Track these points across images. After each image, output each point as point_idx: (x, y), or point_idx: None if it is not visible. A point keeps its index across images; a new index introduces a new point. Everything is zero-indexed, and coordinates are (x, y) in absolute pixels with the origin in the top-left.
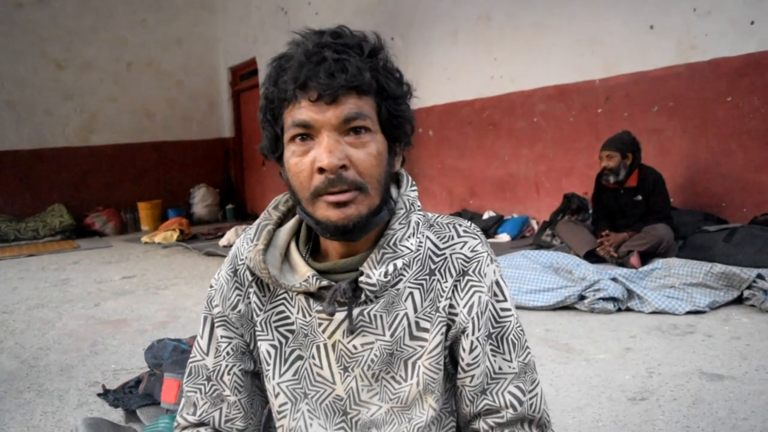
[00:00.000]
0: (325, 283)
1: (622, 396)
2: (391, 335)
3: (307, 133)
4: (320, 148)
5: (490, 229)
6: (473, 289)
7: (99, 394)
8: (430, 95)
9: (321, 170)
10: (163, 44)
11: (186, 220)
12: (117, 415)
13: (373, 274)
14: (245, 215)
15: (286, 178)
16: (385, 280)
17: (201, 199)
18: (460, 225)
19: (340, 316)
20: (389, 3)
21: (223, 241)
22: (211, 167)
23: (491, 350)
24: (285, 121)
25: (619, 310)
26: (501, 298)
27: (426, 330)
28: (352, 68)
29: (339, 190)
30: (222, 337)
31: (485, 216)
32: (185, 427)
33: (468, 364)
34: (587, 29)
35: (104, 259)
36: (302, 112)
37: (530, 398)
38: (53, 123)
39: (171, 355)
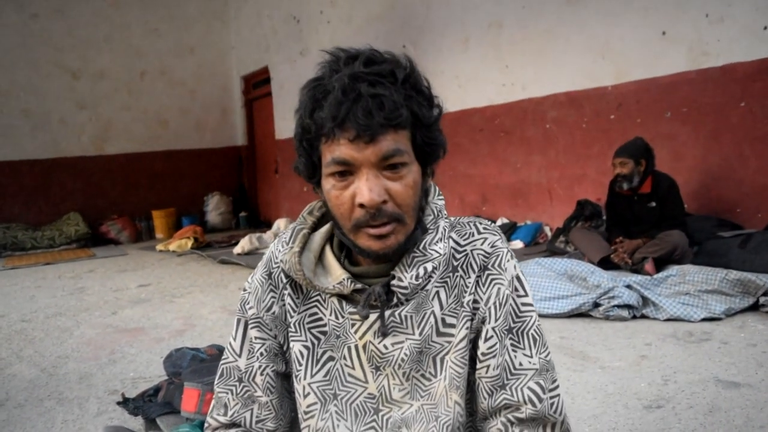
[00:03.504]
0: (358, 286)
1: (637, 404)
2: (420, 333)
3: (347, 169)
4: (360, 183)
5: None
6: (494, 282)
7: (118, 403)
8: (441, 102)
9: (362, 205)
10: (176, 53)
11: (200, 228)
12: (137, 424)
13: (404, 277)
14: (258, 223)
15: (324, 201)
16: (417, 283)
17: (214, 207)
18: (480, 223)
19: (372, 317)
20: (400, 11)
21: (237, 249)
22: (225, 175)
23: (511, 345)
24: (323, 155)
25: (634, 317)
26: (522, 293)
27: (452, 326)
28: (389, 104)
29: (379, 223)
30: (256, 338)
31: (498, 223)
32: (216, 428)
33: (483, 353)
34: (599, 36)
35: (120, 267)
36: (341, 150)
37: (551, 397)
38: (68, 132)
39: (190, 364)
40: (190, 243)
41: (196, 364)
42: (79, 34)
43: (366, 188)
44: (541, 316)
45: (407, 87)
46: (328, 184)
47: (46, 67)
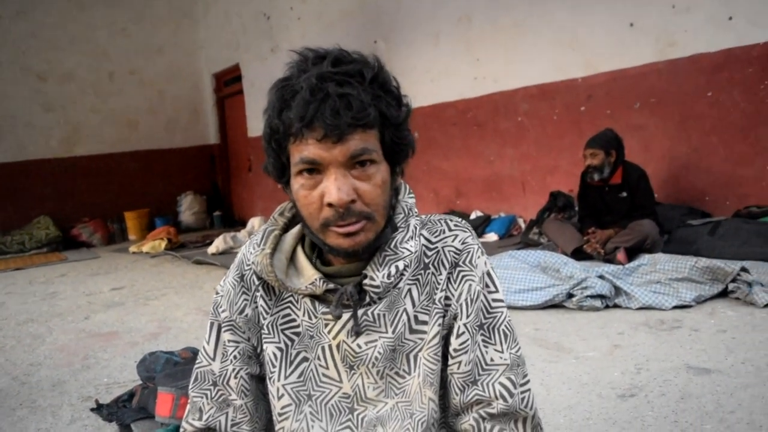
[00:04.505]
0: (330, 286)
1: (611, 393)
2: (393, 331)
3: (315, 168)
4: (329, 183)
5: (477, 228)
6: (465, 278)
7: (92, 409)
8: (414, 97)
9: (330, 205)
10: (145, 53)
11: (174, 228)
12: (111, 430)
13: (376, 276)
14: (233, 222)
15: (293, 201)
16: (388, 281)
17: (188, 207)
18: (451, 220)
19: (345, 317)
20: (371, 7)
21: (211, 249)
22: (197, 174)
23: (483, 340)
24: (291, 155)
25: (607, 306)
26: (492, 289)
27: (425, 323)
28: (357, 104)
29: (348, 222)
30: (229, 341)
31: (472, 216)
32: None
33: (455, 350)
34: (567, 28)
35: (92, 270)
36: (309, 149)
37: (522, 392)
38: (36, 135)
39: (164, 368)
40: (163, 244)
41: (170, 368)
42: (43, 36)
43: (334, 188)
44: (515, 308)
45: (375, 87)
46: (296, 183)
47: (10, 70)
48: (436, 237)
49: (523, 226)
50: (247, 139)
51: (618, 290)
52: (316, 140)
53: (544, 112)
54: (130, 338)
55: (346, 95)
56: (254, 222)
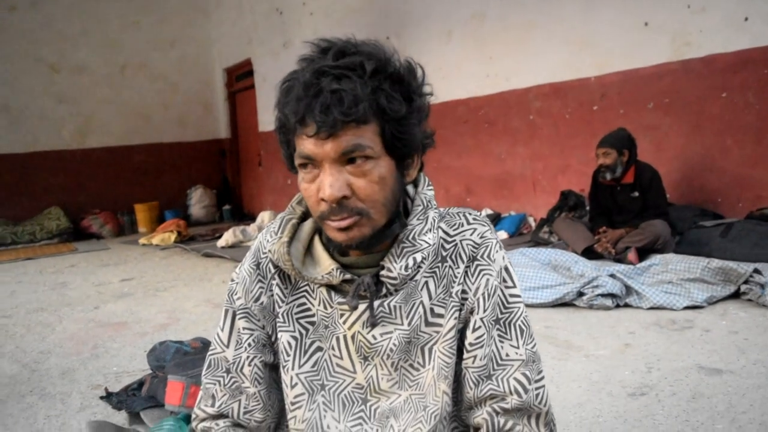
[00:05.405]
0: (347, 276)
1: (622, 391)
2: (409, 324)
3: (312, 163)
4: (323, 178)
5: None
6: (482, 273)
7: (102, 397)
8: (431, 90)
9: (324, 199)
10: (157, 46)
11: (183, 221)
12: (120, 418)
13: (394, 268)
14: (242, 215)
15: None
16: (406, 273)
17: (198, 200)
18: (470, 213)
19: (361, 307)
20: (383, 3)
21: (221, 242)
22: (208, 168)
23: (498, 335)
24: (295, 147)
25: (618, 306)
26: (510, 284)
27: (441, 315)
28: (349, 99)
29: (341, 217)
30: (244, 328)
31: (483, 214)
32: (203, 419)
33: (471, 344)
34: (581, 27)
35: (102, 261)
36: (304, 144)
37: (536, 388)
38: (48, 126)
39: (174, 357)
40: (173, 237)
41: (180, 358)
42: (57, 28)
43: (327, 183)
44: (525, 305)
45: (379, 79)
46: (299, 176)
47: (24, 61)
48: (454, 230)
49: (533, 224)
50: (257, 134)
51: (629, 289)
52: (309, 136)
53: (556, 110)
54: (140, 329)
55: (339, 90)
56: (264, 216)
